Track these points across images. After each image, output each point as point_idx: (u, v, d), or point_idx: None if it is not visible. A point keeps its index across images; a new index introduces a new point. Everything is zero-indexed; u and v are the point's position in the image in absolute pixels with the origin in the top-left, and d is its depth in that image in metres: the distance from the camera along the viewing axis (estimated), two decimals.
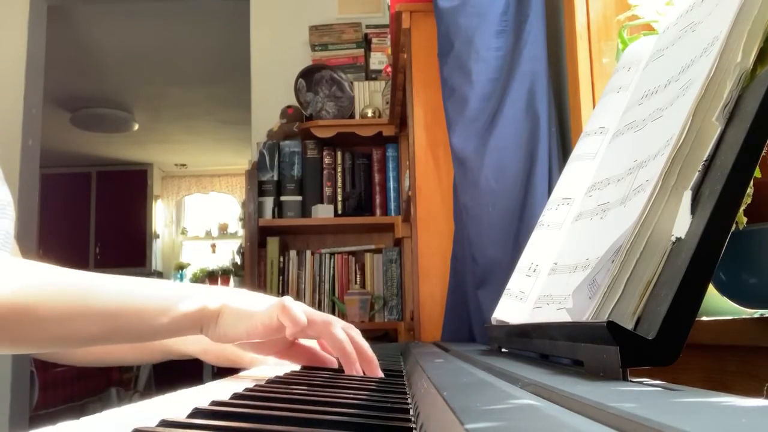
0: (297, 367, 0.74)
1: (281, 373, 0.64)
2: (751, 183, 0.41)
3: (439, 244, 1.42)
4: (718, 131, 0.41)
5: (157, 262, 6.65)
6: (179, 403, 0.41)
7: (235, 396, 0.43)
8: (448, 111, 1.25)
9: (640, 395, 0.30)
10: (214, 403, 0.39)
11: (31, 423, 3.21)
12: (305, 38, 2.92)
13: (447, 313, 1.31)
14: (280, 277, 2.67)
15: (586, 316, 0.47)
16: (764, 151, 0.40)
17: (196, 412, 0.36)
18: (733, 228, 0.40)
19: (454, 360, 0.69)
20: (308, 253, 2.71)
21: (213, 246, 6.78)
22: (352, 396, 0.45)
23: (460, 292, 1.26)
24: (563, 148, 1.21)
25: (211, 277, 6.19)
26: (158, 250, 6.72)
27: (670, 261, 0.40)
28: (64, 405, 4.55)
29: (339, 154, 2.74)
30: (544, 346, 0.54)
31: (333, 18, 2.96)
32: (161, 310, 0.61)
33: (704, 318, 0.61)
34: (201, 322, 0.63)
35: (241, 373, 0.73)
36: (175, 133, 5.89)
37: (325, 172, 2.72)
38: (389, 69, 2.60)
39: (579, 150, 0.72)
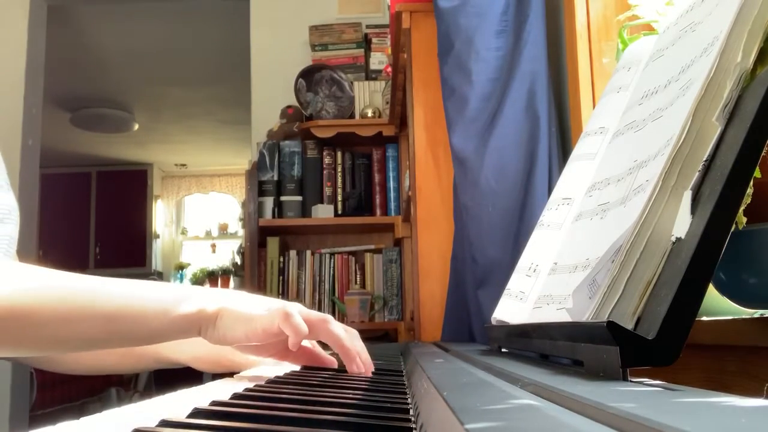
0: (297, 367, 0.74)
1: (281, 373, 0.64)
2: (751, 183, 0.41)
3: (439, 244, 1.42)
4: (718, 131, 0.41)
5: (157, 262, 6.65)
6: (179, 403, 0.41)
7: (235, 396, 0.43)
8: (448, 111, 1.25)
9: (640, 395, 0.30)
10: (214, 403, 0.39)
11: (31, 423, 3.22)
12: (305, 38, 2.92)
13: (447, 313, 1.31)
14: (280, 277, 2.67)
15: (586, 316, 0.47)
16: (764, 151, 0.40)
17: (196, 412, 0.36)
18: (733, 228, 0.40)
19: (454, 360, 0.69)
20: (308, 253, 2.71)
21: (213, 246, 6.78)
22: (352, 396, 0.45)
23: (460, 292, 1.26)
24: (563, 148, 1.21)
25: (211, 277, 6.19)
26: (158, 250, 6.72)
27: (670, 261, 0.40)
28: (63, 405, 4.55)
29: (339, 154, 2.74)
30: (544, 346, 0.54)
31: (333, 18, 2.96)
32: (160, 313, 0.61)
33: (704, 318, 0.61)
34: (199, 324, 0.63)
35: (241, 374, 0.73)
36: (175, 133, 5.89)
37: (325, 172, 2.72)
38: (389, 69, 2.60)
39: (579, 150, 0.72)
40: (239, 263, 5.22)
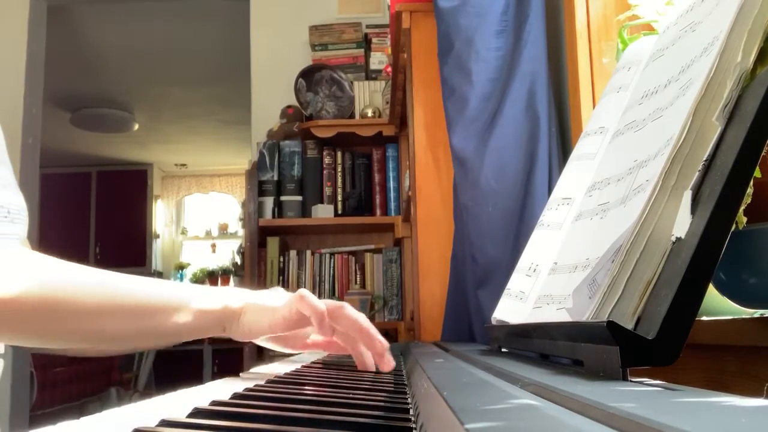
0: (297, 366, 0.74)
1: (281, 373, 0.64)
2: (751, 183, 0.41)
3: (439, 244, 1.42)
4: (718, 131, 0.41)
5: (157, 262, 6.65)
6: (179, 403, 0.40)
7: (235, 396, 0.43)
8: (448, 111, 1.25)
9: (640, 395, 0.30)
10: (214, 403, 0.39)
11: (31, 423, 3.22)
12: (305, 38, 2.92)
13: (447, 313, 1.31)
14: (280, 277, 2.67)
15: (586, 316, 0.47)
16: (764, 151, 0.40)
17: (196, 412, 0.36)
18: (733, 228, 0.40)
19: (454, 360, 0.69)
20: (308, 253, 2.71)
21: (213, 246, 6.78)
22: (352, 395, 0.45)
23: (460, 292, 1.26)
24: (563, 148, 1.21)
25: (211, 277, 6.19)
26: (158, 250, 6.72)
27: (670, 261, 0.40)
28: (64, 405, 4.55)
29: (339, 154, 2.74)
30: (544, 346, 0.54)
31: (333, 18, 2.96)
32: (186, 309, 0.64)
33: (704, 318, 0.61)
34: (223, 321, 0.66)
35: (241, 374, 0.73)
36: (175, 133, 5.89)
37: (325, 172, 2.72)
38: (389, 69, 2.60)
39: (579, 150, 0.72)
40: (239, 263, 5.22)
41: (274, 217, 2.64)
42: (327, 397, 0.45)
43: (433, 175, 1.46)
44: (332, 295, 2.68)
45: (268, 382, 0.56)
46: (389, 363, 0.69)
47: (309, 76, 2.75)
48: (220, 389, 0.49)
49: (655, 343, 0.36)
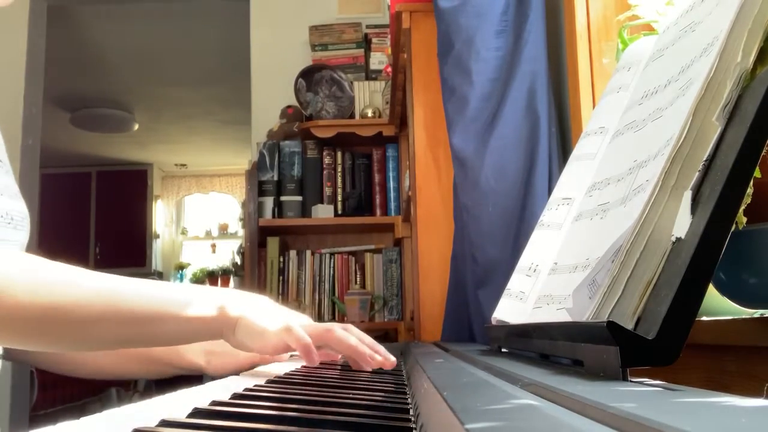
0: (297, 366, 0.74)
1: (281, 373, 0.64)
2: (751, 183, 0.41)
3: (439, 244, 1.42)
4: (718, 131, 0.41)
5: (157, 262, 6.65)
6: (179, 403, 0.40)
7: (235, 396, 0.43)
8: (448, 111, 1.25)
9: (640, 395, 0.30)
10: (214, 403, 0.39)
11: (31, 423, 3.22)
12: (305, 38, 2.92)
13: (447, 313, 1.31)
14: (280, 277, 2.67)
15: (586, 316, 0.47)
16: (764, 151, 0.40)
17: (196, 412, 0.36)
18: (733, 228, 0.40)
19: (454, 360, 0.69)
20: (308, 253, 2.71)
21: (213, 246, 6.77)
22: (352, 396, 0.45)
23: (460, 292, 1.26)
24: (563, 148, 1.21)
25: (211, 277, 6.19)
26: (158, 250, 6.72)
27: (670, 261, 0.40)
28: (64, 405, 4.55)
29: (339, 154, 2.74)
30: (544, 346, 0.54)
31: (333, 18, 2.96)
32: (184, 316, 0.64)
33: (704, 318, 0.61)
34: (221, 329, 0.67)
35: (241, 374, 0.73)
36: (175, 133, 5.89)
37: (325, 172, 2.72)
38: (389, 69, 2.60)
39: (579, 150, 0.71)
40: (239, 263, 5.22)
41: (274, 217, 2.64)
42: (327, 397, 0.45)
43: (433, 175, 1.46)
44: (332, 295, 2.68)
45: (268, 382, 0.56)
46: (389, 364, 0.69)
47: (309, 76, 2.75)
48: (220, 389, 0.49)
49: (655, 343, 0.36)
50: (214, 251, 6.73)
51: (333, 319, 2.65)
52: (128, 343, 0.66)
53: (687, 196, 0.41)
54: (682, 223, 0.40)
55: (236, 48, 3.63)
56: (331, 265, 2.71)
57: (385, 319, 2.64)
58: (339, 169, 2.74)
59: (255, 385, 0.51)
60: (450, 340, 1.27)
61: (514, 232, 1.12)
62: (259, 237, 2.61)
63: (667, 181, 0.44)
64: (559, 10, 1.25)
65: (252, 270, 2.60)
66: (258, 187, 2.64)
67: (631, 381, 0.36)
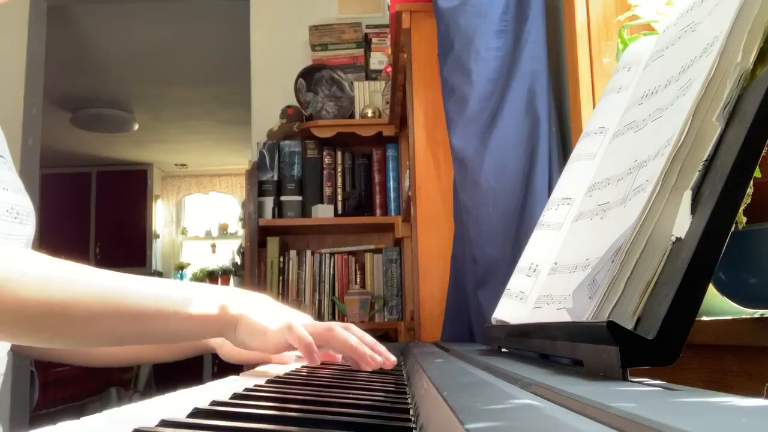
0: (297, 366, 0.74)
1: (281, 373, 0.64)
2: (751, 183, 0.41)
3: (439, 244, 1.42)
4: (718, 131, 0.41)
5: (157, 262, 6.65)
6: (179, 403, 0.40)
7: (235, 396, 0.43)
8: (448, 111, 1.25)
9: (640, 395, 0.30)
10: (214, 403, 0.39)
11: (31, 423, 3.21)
12: (305, 38, 2.92)
13: (447, 313, 1.31)
14: (280, 277, 2.67)
15: (586, 316, 0.47)
16: (764, 151, 0.40)
17: (196, 412, 0.36)
18: (733, 228, 0.40)
19: (454, 360, 0.69)
20: (308, 253, 2.71)
21: (213, 246, 6.78)
22: (351, 396, 0.45)
23: (460, 292, 1.26)
24: (563, 148, 1.21)
25: (211, 277, 6.19)
26: (158, 250, 6.72)
27: (670, 261, 0.40)
28: (64, 405, 4.55)
29: (339, 154, 2.74)
30: (544, 346, 0.54)
31: (333, 18, 2.96)
32: (185, 314, 0.64)
33: (704, 318, 0.61)
34: (221, 327, 0.67)
35: (241, 374, 0.73)
36: (175, 133, 5.89)
37: (325, 172, 2.72)
38: (389, 69, 2.60)
39: (579, 150, 0.72)
40: (239, 263, 5.22)
41: (274, 217, 2.64)
42: (327, 397, 0.45)
43: (433, 175, 1.46)
44: (332, 295, 2.68)
45: (268, 382, 0.56)
46: (389, 364, 0.69)
47: (309, 76, 2.75)
48: (220, 389, 0.49)
49: (655, 343, 0.36)
50: (214, 251, 6.73)
51: (333, 319, 2.65)
52: (128, 340, 0.66)
53: (687, 196, 0.41)
54: (682, 223, 0.40)
55: (236, 48, 3.64)
56: (331, 265, 2.71)
57: (385, 319, 2.64)
58: (339, 169, 2.74)
59: (255, 385, 0.51)
60: (450, 340, 1.27)
61: (514, 232, 1.12)
62: (259, 237, 2.61)
63: (667, 181, 0.44)
64: (559, 10, 1.25)
65: (252, 270, 2.60)
66: (258, 187, 2.64)
67: (631, 381, 0.36)
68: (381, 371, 0.69)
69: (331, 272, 2.70)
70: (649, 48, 0.65)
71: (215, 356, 0.95)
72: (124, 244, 6.42)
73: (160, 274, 6.51)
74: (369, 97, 2.74)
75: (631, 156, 0.54)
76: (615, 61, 0.77)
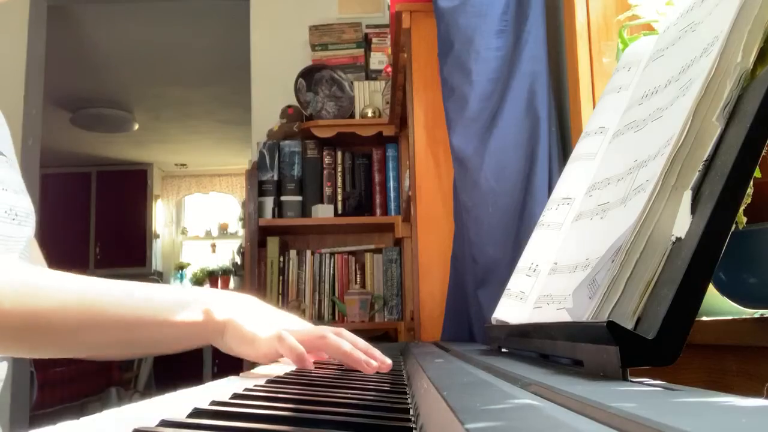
0: (296, 367, 0.74)
1: (281, 373, 0.64)
2: (751, 183, 0.41)
3: (439, 244, 1.42)
4: (718, 131, 0.41)
5: (157, 262, 6.65)
6: (179, 403, 0.40)
7: (235, 396, 0.43)
8: (448, 111, 1.25)
9: (640, 395, 0.30)
10: (214, 403, 0.39)
11: (31, 423, 3.22)
12: (305, 38, 2.92)
13: (447, 313, 1.31)
14: (280, 277, 2.67)
15: (586, 316, 0.47)
16: (764, 151, 0.40)
17: (196, 412, 0.36)
18: (733, 228, 0.40)
19: (454, 360, 0.69)
20: (308, 253, 2.71)
21: (213, 246, 6.78)
22: (351, 396, 0.45)
23: (460, 292, 1.26)
24: (563, 148, 1.21)
25: (211, 277, 6.19)
26: (158, 250, 6.72)
27: (670, 261, 0.40)
28: (64, 405, 4.55)
29: (339, 154, 2.74)
30: (544, 346, 0.54)
31: (333, 18, 2.96)
32: (170, 321, 0.63)
33: (704, 318, 0.61)
34: (207, 334, 0.65)
35: (241, 374, 0.73)
36: (175, 133, 5.89)
37: (325, 172, 2.72)
38: (389, 69, 2.60)
39: (579, 150, 0.72)
40: (239, 263, 5.23)
41: (274, 217, 2.64)
42: (327, 397, 0.45)
43: (433, 175, 1.46)
44: (332, 295, 2.68)
45: (268, 382, 0.56)
46: (385, 367, 0.68)
47: (309, 76, 2.75)
48: (220, 389, 0.49)
49: (655, 343, 0.36)
50: (214, 251, 6.73)
51: (333, 319, 2.65)
52: (112, 348, 0.66)
53: (687, 196, 0.41)
54: (682, 223, 0.40)
55: (236, 48, 3.64)
56: (331, 265, 2.71)
57: (385, 319, 2.64)
58: (339, 169, 2.74)
59: (255, 385, 0.51)
60: (450, 340, 1.27)
61: (514, 232, 1.12)
62: (259, 237, 2.61)
63: (667, 181, 0.44)
64: (559, 10, 1.25)
65: (252, 270, 2.60)
66: (258, 187, 2.64)
67: (631, 381, 0.36)
68: (381, 371, 0.69)
69: (331, 272, 2.70)
70: (649, 48, 0.65)
71: (215, 356, 0.95)
72: (124, 244, 6.42)
73: (160, 274, 6.51)
74: (369, 97, 2.74)
75: (631, 156, 0.54)
76: (615, 61, 0.77)
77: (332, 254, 2.72)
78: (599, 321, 0.39)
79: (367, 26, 2.92)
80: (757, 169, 0.46)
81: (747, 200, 0.49)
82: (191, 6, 3.82)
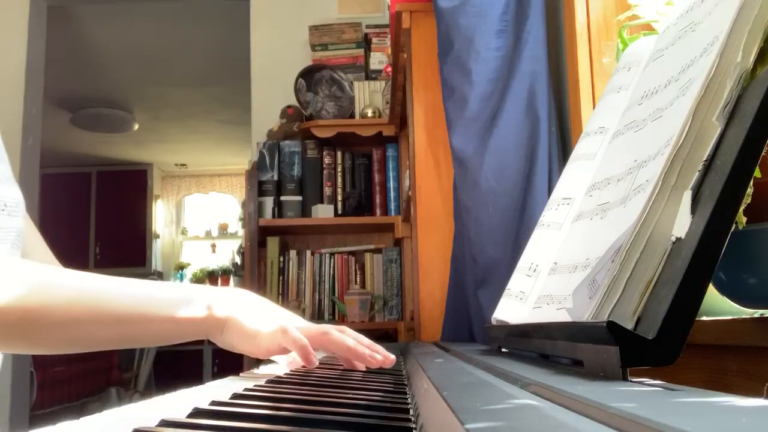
0: (297, 366, 0.74)
1: (281, 373, 0.64)
2: (751, 183, 0.41)
3: (439, 244, 1.42)
4: (718, 131, 0.41)
5: (157, 262, 6.65)
6: (179, 403, 0.40)
7: (235, 396, 0.43)
8: (448, 111, 1.25)
9: (640, 395, 0.30)
10: (214, 403, 0.39)
11: (31, 423, 3.22)
12: (305, 38, 2.92)
13: (447, 313, 1.31)
14: (280, 277, 2.67)
15: (586, 316, 0.47)
16: (764, 151, 0.40)
17: (196, 412, 0.36)
18: (733, 228, 0.40)
19: (454, 360, 0.69)
20: (308, 253, 2.71)
21: (213, 246, 6.78)
22: (351, 396, 0.45)
23: (460, 292, 1.26)
24: (563, 148, 1.21)
25: (211, 277, 6.19)
26: (158, 250, 6.72)
27: (670, 261, 0.40)
28: (63, 405, 4.55)
29: (339, 154, 2.75)
30: (544, 346, 0.54)
31: (333, 18, 2.96)
32: (168, 317, 0.63)
33: (704, 318, 0.61)
34: (206, 331, 0.65)
35: (241, 374, 0.73)
36: (175, 133, 5.89)
37: (325, 172, 2.72)
38: (389, 69, 2.60)
39: (579, 150, 0.72)
40: (239, 263, 5.22)
41: (274, 217, 2.64)
42: (327, 397, 0.45)
43: (433, 175, 1.46)
44: (332, 295, 2.68)
45: (268, 382, 0.56)
46: (389, 362, 0.69)
47: (309, 76, 2.75)
48: (220, 389, 0.49)
49: (655, 343, 0.36)
50: (214, 251, 6.73)
51: (333, 319, 2.65)
52: (110, 344, 0.65)
53: (687, 196, 0.41)
54: (682, 223, 0.40)
55: (236, 48, 3.64)
56: (331, 265, 2.71)
57: (385, 319, 2.64)
58: (339, 169, 2.74)
59: (255, 385, 0.51)
60: (450, 340, 1.27)
61: (514, 232, 1.12)
62: (259, 237, 2.61)
63: (667, 181, 0.44)
64: (559, 10, 1.25)
65: (252, 270, 2.60)
66: (258, 187, 2.64)
67: (631, 381, 0.36)
68: (381, 371, 0.69)
69: (331, 272, 2.70)
70: (649, 48, 0.65)
71: (215, 356, 0.95)
72: (124, 244, 6.42)
73: (160, 275, 6.51)
74: (369, 97, 2.74)
75: (631, 156, 0.54)
76: (615, 61, 0.77)
77: (332, 254, 2.72)
78: (599, 321, 0.39)
79: (367, 26, 2.92)
80: (757, 169, 0.46)
81: (747, 200, 0.49)
82: (191, 6, 3.82)
